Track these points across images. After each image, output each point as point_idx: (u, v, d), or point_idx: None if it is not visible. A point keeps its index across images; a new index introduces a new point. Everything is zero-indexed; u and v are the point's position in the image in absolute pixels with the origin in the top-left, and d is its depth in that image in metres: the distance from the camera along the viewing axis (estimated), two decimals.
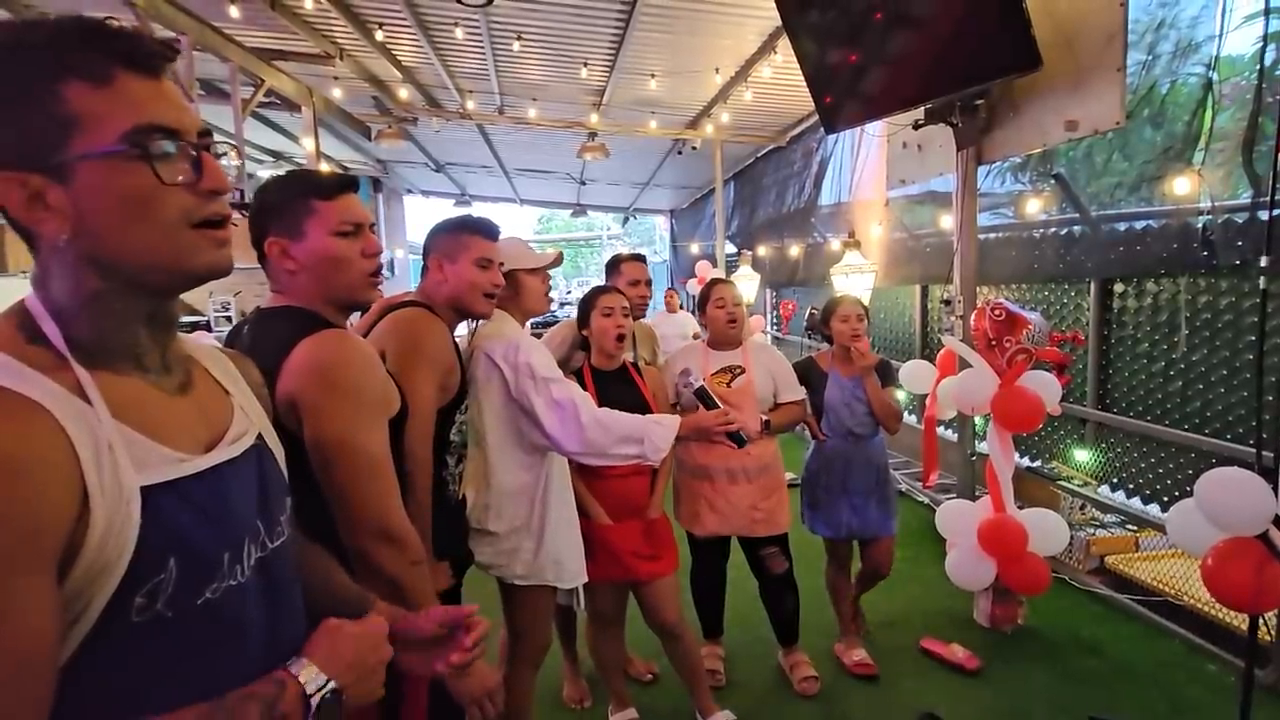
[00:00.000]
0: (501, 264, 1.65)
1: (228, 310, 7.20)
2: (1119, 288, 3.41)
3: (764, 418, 2.35)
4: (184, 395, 0.69)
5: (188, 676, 0.62)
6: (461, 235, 1.60)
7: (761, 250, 7.63)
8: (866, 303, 4.63)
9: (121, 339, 0.64)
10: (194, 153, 0.61)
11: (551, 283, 1.95)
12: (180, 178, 0.60)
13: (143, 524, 0.58)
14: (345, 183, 1.19)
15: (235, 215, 0.70)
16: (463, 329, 1.73)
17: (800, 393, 2.47)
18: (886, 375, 2.57)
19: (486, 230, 1.63)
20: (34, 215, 0.58)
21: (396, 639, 0.79)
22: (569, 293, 20.76)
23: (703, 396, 1.82)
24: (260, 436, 0.77)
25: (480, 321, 1.82)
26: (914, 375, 3.25)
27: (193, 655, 0.63)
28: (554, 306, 13.41)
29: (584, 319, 2.13)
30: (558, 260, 1.93)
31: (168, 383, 0.68)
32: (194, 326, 6.50)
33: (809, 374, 2.58)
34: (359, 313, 1.47)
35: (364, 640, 0.72)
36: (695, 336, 3.83)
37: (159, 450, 0.62)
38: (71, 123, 0.56)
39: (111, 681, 0.58)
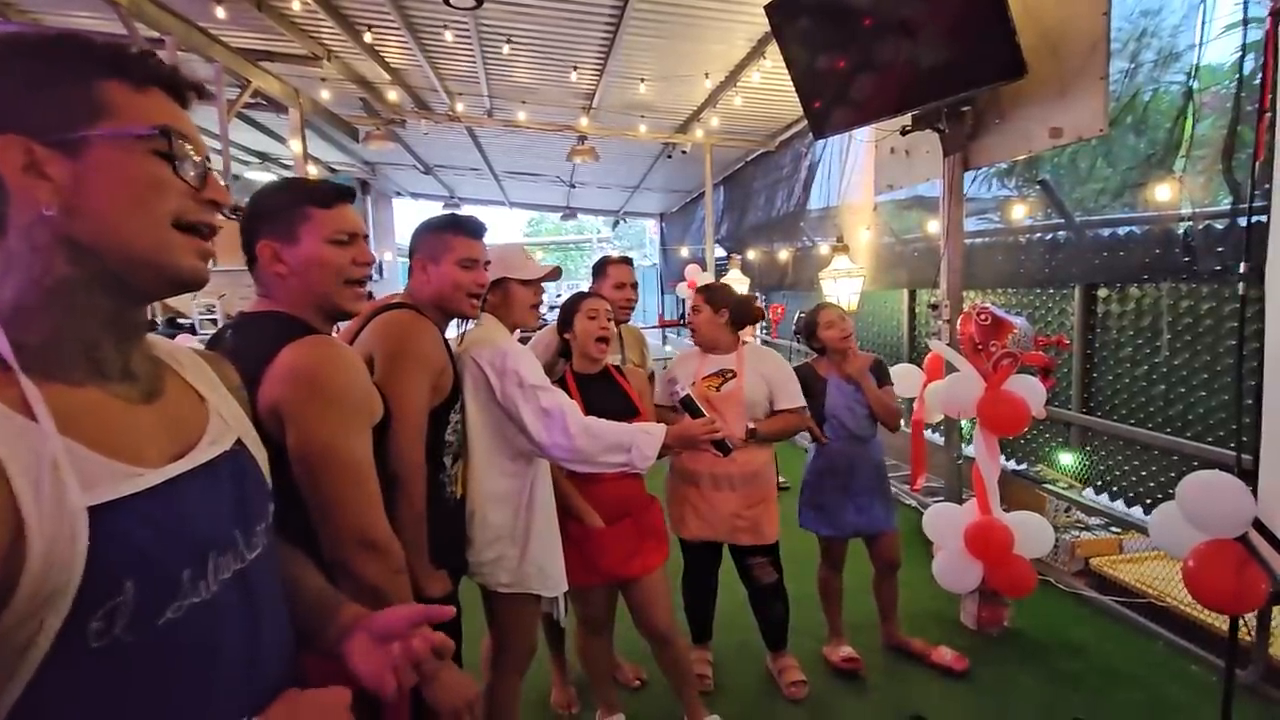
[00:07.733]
0: (487, 263, 1.62)
1: (213, 313, 7.11)
2: (1103, 293, 3.46)
3: (750, 425, 2.32)
4: (149, 404, 0.66)
5: (155, 703, 0.59)
6: (444, 235, 1.57)
7: (751, 254, 7.66)
8: (855, 306, 4.69)
9: (78, 340, 0.62)
10: (204, 165, 0.67)
11: (544, 296, 1.88)
12: (190, 179, 0.65)
13: (92, 545, 0.54)
14: (342, 192, 1.19)
15: (218, 216, 0.70)
16: (452, 332, 1.71)
17: (799, 401, 2.40)
18: (882, 374, 2.59)
19: (471, 229, 1.59)
20: (27, 180, 0.58)
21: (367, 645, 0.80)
22: (559, 296, 20.65)
23: (688, 406, 1.84)
24: (240, 441, 0.75)
25: (469, 326, 1.81)
26: (902, 379, 3.27)
27: (159, 680, 0.59)
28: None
29: (567, 323, 2.12)
30: (553, 274, 1.86)
31: (131, 391, 0.65)
32: (178, 330, 6.41)
33: (808, 381, 2.57)
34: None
35: (324, 711, 0.69)
36: None
37: (112, 465, 0.59)
38: (102, 109, 0.60)
39: (74, 712, 0.56)
